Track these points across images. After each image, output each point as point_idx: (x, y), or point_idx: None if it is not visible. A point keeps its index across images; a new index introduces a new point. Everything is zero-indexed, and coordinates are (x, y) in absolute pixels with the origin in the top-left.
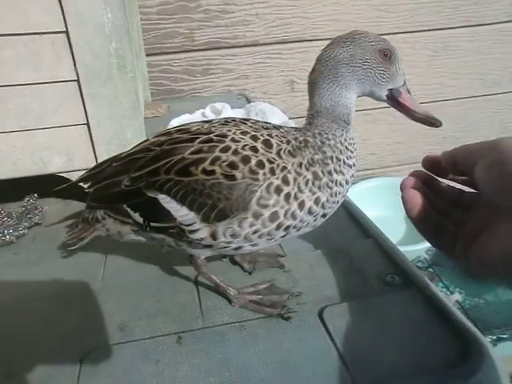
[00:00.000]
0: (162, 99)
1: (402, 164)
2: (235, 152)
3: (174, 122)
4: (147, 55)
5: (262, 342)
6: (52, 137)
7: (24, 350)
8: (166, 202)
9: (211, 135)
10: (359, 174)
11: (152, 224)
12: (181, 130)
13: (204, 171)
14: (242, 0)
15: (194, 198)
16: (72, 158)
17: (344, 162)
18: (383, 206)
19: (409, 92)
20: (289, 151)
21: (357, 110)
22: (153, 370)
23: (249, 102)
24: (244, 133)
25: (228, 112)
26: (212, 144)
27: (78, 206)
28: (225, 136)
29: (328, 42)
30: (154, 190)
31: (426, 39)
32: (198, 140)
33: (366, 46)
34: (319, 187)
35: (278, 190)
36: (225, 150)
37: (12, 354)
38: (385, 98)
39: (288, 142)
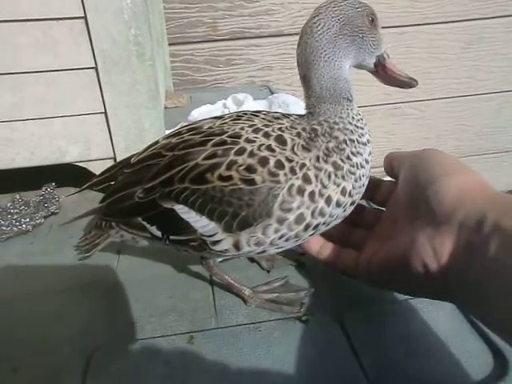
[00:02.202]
0: (184, 89)
1: None
2: (251, 154)
3: (195, 113)
4: (170, 44)
5: (277, 346)
6: (69, 125)
7: (32, 345)
8: (184, 212)
9: (224, 136)
10: (383, 170)
11: (172, 237)
12: (192, 129)
13: (221, 177)
14: None
15: (214, 207)
16: (89, 147)
17: (358, 142)
18: None
19: (389, 56)
20: (302, 146)
21: (384, 104)
22: (162, 372)
23: (271, 92)
24: (256, 130)
25: (250, 103)
26: (226, 147)
27: (94, 195)
28: (238, 136)
29: None
30: (169, 200)
31: (458, 30)
32: (211, 143)
33: (355, 12)
34: (343, 176)
35: (301, 191)
36: (240, 152)
37: (20, 349)
38: (372, 65)
39: (299, 135)
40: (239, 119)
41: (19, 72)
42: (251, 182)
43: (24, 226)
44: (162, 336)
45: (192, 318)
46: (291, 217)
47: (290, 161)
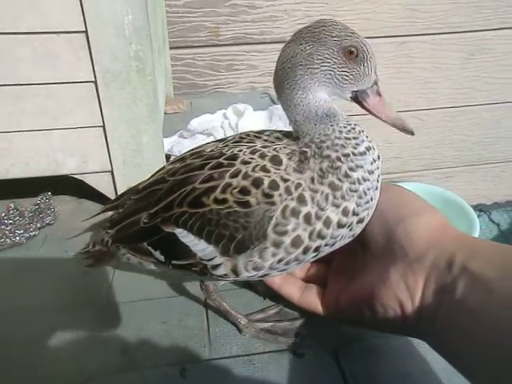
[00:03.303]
0: (184, 93)
1: (426, 169)
2: (245, 175)
3: (195, 123)
4: (171, 48)
5: (271, 381)
6: (67, 138)
7: (20, 372)
8: (184, 236)
9: (221, 159)
10: (382, 178)
11: (174, 262)
12: (195, 153)
13: (216, 200)
14: None
15: (211, 230)
16: (86, 160)
17: (354, 154)
18: None
19: (379, 94)
20: (293, 168)
21: None
22: None
23: (272, 101)
24: (254, 151)
25: (250, 114)
26: (222, 169)
27: (89, 206)
28: (235, 158)
29: None
30: (170, 224)
31: (460, 41)
32: (208, 166)
33: (327, 42)
34: (342, 197)
35: (296, 213)
36: (235, 174)
37: (8, 376)
38: (349, 99)
39: (291, 157)
40: (241, 141)
41: (19, 84)
42: (245, 204)
43: (18, 238)
44: (153, 367)
45: (185, 347)
46: (287, 240)
47: (286, 180)
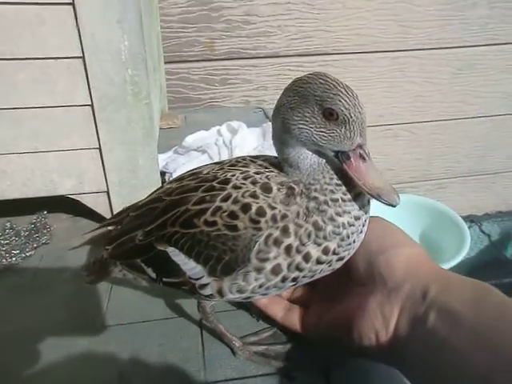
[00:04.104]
0: (178, 107)
1: (419, 180)
2: (235, 200)
3: (189, 139)
4: (166, 62)
5: None
6: (63, 159)
7: None
8: (175, 254)
9: (214, 182)
10: None
11: (164, 280)
12: (192, 174)
13: (206, 222)
14: (265, 11)
15: (200, 251)
16: (82, 181)
17: (343, 200)
18: (397, 222)
19: (363, 157)
20: (280, 200)
21: (376, 126)
22: None
23: (266, 116)
24: (246, 177)
25: (244, 131)
26: (214, 193)
27: (85, 224)
28: (227, 182)
29: (350, 55)
30: (163, 242)
31: (450, 56)
32: (202, 188)
33: (309, 100)
34: (325, 237)
35: (278, 242)
36: (225, 198)
37: None
38: (332, 157)
39: (279, 188)
40: (236, 165)
41: (17, 107)
42: (234, 228)
43: (14, 258)
44: None
45: (181, 369)
46: (268, 266)
47: (273, 208)
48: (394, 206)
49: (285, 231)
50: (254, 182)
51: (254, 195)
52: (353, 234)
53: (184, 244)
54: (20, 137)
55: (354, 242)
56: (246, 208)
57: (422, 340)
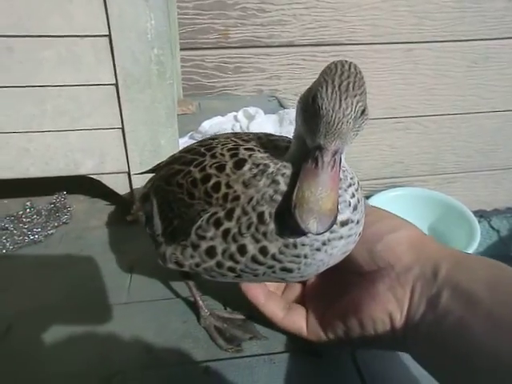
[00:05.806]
0: (192, 94)
1: (428, 174)
2: (202, 169)
3: (206, 124)
4: (181, 49)
5: (291, 380)
6: (86, 139)
7: (42, 372)
8: (154, 205)
9: (202, 148)
10: (386, 182)
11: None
12: (211, 138)
13: (177, 183)
14: (280, 0)
15: (163, 208)
16: (104, 160)
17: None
18: (407, 216)
19: (316, 163)
20: (243, 180)
21: (388, 118)
22: None
23: (280, 104)
24: (230, 149)
25: (261, 117)
26: (195, 157)
27: (103, 206)
28: (210, 150)
29: (364, 46)
30: (154, 194)
31: (465, 49)
32: (193, 151)
33: (318, 81)
34: (264, 234)
35: (218, 224)
36: (197, 165)
37: (30, 376)
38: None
39: (252, 168)
40: (241, 137)
41: (42, 85)
42: (192, 196)
43: (36, 236)
44: (178, 364)
45: (207, 346)
46: (203, 245)
47: (229, 187)
48: (304, 232)
49: (229, 214)
50: (232, 156)
51: (220, 168)
52: (303, 245)
53: (158, 198)
54: (43, 115)
55: (306, 257)
56: (205, 179)
57: (436, 320)
